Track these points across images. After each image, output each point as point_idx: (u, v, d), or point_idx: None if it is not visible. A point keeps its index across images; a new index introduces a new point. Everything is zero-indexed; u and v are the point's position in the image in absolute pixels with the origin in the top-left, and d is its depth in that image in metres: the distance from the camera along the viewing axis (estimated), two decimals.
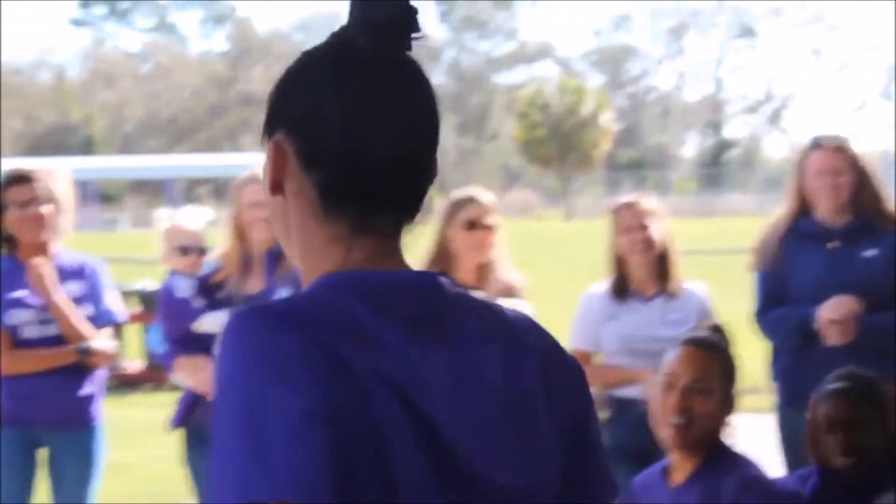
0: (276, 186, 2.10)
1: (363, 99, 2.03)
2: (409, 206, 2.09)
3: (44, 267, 6.02)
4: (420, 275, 2.06)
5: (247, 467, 1.76)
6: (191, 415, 6.09)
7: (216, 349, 1.89)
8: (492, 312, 2.10)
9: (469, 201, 6.22)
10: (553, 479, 2.07)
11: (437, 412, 1.91)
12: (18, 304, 6.06)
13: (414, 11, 2.07)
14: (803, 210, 6.15)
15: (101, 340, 6.16)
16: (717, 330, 4.63)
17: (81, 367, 6.14)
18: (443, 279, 2.05)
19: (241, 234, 6.11)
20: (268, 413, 1.77)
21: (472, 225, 6.13)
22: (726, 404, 4.41)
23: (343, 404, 1.81)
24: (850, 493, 4.53)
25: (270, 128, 2.09)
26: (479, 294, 2.23)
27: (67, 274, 6.15)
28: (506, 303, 6.01)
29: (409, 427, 1.87)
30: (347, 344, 1.86)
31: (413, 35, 2.08)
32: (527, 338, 2.10)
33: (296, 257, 2.11)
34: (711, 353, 4.46)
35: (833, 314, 5.89)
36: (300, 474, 1.74)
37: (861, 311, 5.90)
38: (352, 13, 2.07)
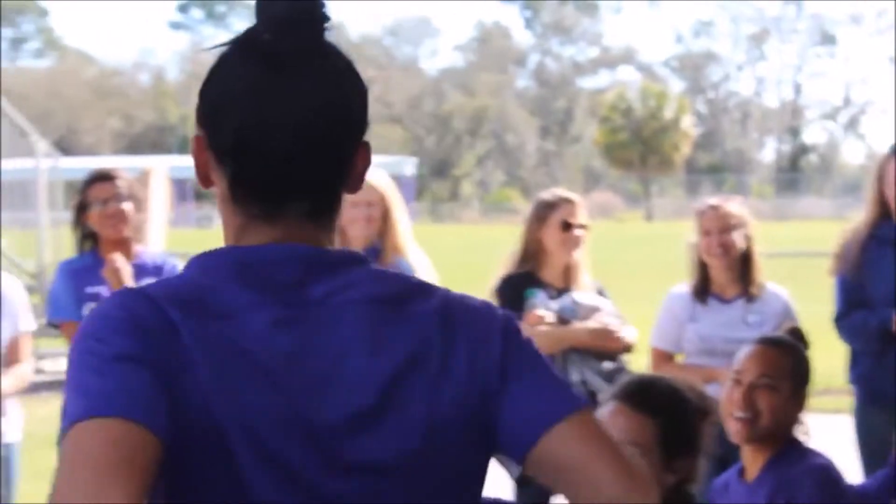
0: (205, 180, 2.12)
1: (255, 93, 2.03)
2: (311, 195, 2.10)
3: (119, 262, 6.00)
4: (289, 247, 2.06)
5: (72, 398, 1.91)
6: None
7: None
8: (374, 281, 2.11)
9: (564, 202, 6.25)
10: (411, 449, 2.03)
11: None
12: (96, 298, 6.05)
13: (316, 4, 2.08)
14: (883, 216, 6.09)
15: None
16: (795, 333, 4.56)
17: None
18: (314, 249, 2.09)
19: (340, 231, 6.08)
20: (90, 358, 1.94)
21: (568, 225, 6.14)
22: (795, 402, 4.34)
23: (151, 352, 1.92)
24: None
25: (197, 123, 2.11)
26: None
27: (148, 271, 6.13)
28: (593, 300, 5.98)
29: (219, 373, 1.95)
30: (187, 312, 1.96)
31: (319, 27, 2.09)
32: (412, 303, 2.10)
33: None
34: (782, 351, 4.40)
35: None
36: (108, 397, 1.87)
37: None
38: (256, 9, 2.07)
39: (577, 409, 2.09)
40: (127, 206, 6.10)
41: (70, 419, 1.90)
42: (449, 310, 2.14)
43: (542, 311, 5.99)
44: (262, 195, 2.06)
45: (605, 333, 6.02)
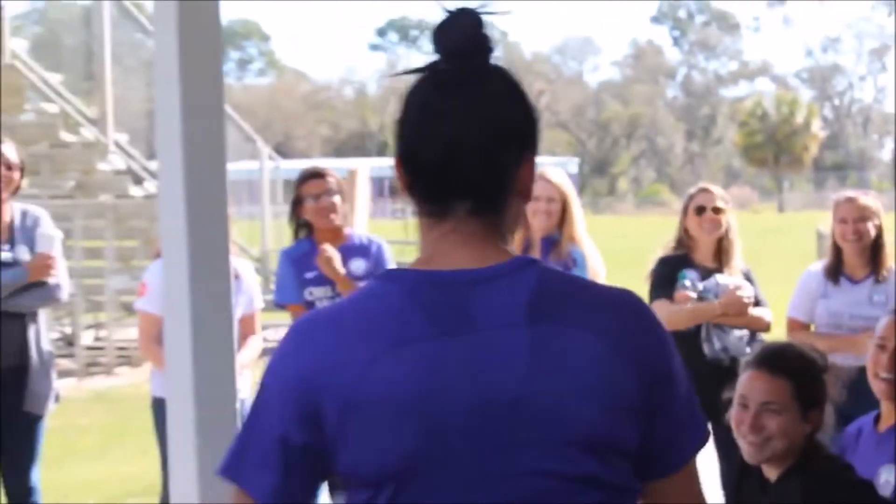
0: (402, 188, 2.11)
1: (422, 113, 2.06)
2: (471, 196, 2.03)
3: (329, 251, 6.07)
4: (461, 272, 2.01)
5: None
6: None
7: None
8: (543, 296, 2.00)
9: (700, 191, 6.32)
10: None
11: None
12: (315, 282, 6.13)
13: (485, 36, 2.06)
14: None
15: None
16: None
17: None
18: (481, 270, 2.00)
19: (524, 222, 6.13)
20: None
21: (702, 209, 6.15)
22: None
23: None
24: None
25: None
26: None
27: (356, 251, 6.21)
28: (735, 281, 5.90)
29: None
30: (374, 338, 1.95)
31: (486, 55, 2.07)
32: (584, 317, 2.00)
33: None
34: None
35: None
36: None
37: None
38: (433, 40, 2.08)
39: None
40: (336, 199, 6.14)
41: None
42: None
43: (688, 291, 5.98)
44: (425, 196, 2.06)
45: (735, 305, 5.97)
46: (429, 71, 2.08)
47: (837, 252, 6.14)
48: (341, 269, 6.08)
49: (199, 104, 3.39)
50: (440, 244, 2.04)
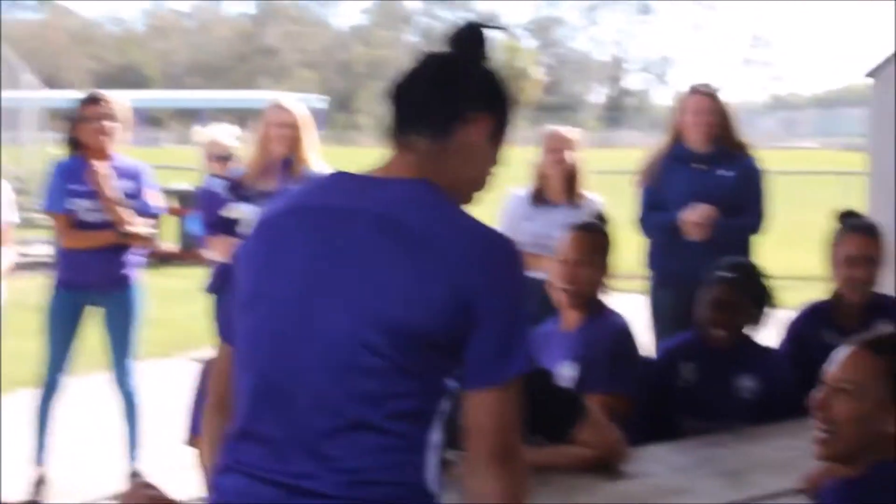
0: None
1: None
2: (428, 127, 2.32)
3: (103, 168, 6.06)
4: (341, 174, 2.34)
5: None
6: (222, 282, 6.09)
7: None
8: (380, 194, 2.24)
9: (551, 133, 6.32)
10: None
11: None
12: (79, 194, 6.08)
13: (480, 36, 2.42)
14: (678, 140, 6.16)
15: (141, 227, 6.19)
16: (599, 217, 4.66)
17: (124, 245, 6.19)
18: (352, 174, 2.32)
19: (264, 147, 6.14)
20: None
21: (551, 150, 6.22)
22: (603, 271, 4.45)
23: None
24: (717, 357, 4.55)
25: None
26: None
27: (121, 173, 6.20)
28: None
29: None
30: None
31: (487, 44, 2.42)
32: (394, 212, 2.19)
33: None
34: (592, 233, 4.49)
35: (695, 217, 5.90)
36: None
37: (717, 217, 5.91)
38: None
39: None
40: (110, 124, 6.11)
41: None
42: None
43: None
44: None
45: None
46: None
47: (542, 179, 6.25)
48: (109, 185, 6.08)
49: None
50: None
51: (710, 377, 4.51)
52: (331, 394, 2.11)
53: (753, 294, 4.59)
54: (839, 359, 2.79)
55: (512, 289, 2.16)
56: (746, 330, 4.59)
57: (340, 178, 2.32)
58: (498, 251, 2.17)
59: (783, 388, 4.51)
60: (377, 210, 2.17)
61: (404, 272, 2.11)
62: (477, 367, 2.13)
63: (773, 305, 4.64)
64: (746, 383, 4.50)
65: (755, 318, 4.59)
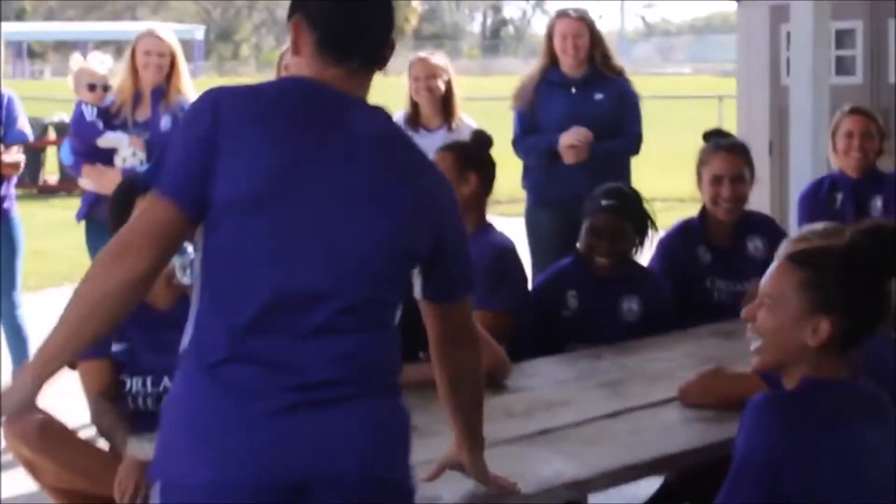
0: (295, 50, 2.47)
1: None
2: (369, 54, 2.47)
3: None
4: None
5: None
6: (93, 210, 6.02)
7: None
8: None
9: (418, 59, 6.26)
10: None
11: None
12: None
13: None
14: (551, 65, 6.19)
15: (10, 155, 6.08)
16: (478, 134, 4.67)
17: None
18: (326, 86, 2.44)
19: (135, 75, 6.06)
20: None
21: (418, 78, 6.18)
22: (484, 188, 4.49)
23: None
24: (601, 283, 4.60)
25: (290, 16, 2.48)
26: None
27: None
28: None
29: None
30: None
31: None
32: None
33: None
34: (464, 153, 4.48)
35: (571, 140, 5.95)
36: None
37: (592, 139, 5.96)
38: None
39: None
40: None
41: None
42: None
43: None
44: (341, 50, 2.44)
45: None
46: None
47: (414, 105, 6.18)
48: None
49: None
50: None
51: (595, 303, 4.55)
52: (357, 303, 2.35)
53: (634, 219, 4.63)
54: (768, 272, 2.80)
55: (462, 221, 2.56)
56: (628, 254, 4.66)
57: (310, 87, 2.43)
58: (453, 190, 2.58)
59: (662, 306, 4.61)
60: (371, 132, 2.42)
61: (405, 199, 2.40)
62: (450, 283, 2.54)
63: (654, 228, 4.71)
64: (630, 305, 4.57)
65: (637, 242, 4.66)
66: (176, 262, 3.54)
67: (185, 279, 3.52)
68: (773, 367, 2.76)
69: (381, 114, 2.49)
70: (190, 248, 4.33)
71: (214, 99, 2.39)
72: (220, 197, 2.32)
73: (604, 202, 4.60)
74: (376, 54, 2.48)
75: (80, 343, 2.34)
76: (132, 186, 3.80)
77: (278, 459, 2.27)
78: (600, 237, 4.55)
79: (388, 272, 2.41)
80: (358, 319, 2.36)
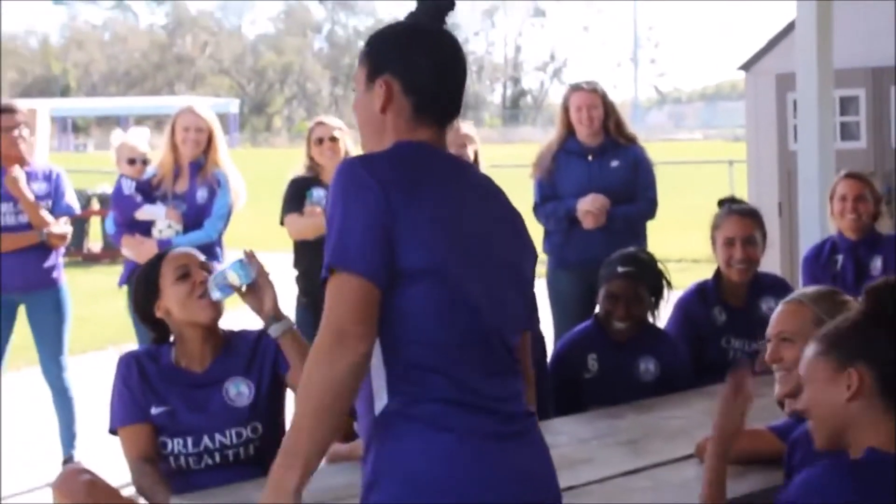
0: (383, 108, 2.45)
1: (435, 55, 2.49)
2: (457, 114, 2.55)
3: (18, 173, 5.99)
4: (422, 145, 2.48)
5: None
6: (133, 276, 6.04)
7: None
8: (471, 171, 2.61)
9: (318, 124, 6.23)
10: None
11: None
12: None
13: (450, 4, 2.54)
14: (568, 134, 6.22)
15: (59, 226, 6.15)
16: None
17: (45, 245, 6.11)
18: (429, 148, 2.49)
19: (174, 150, 6.11)
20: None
21: (320, 140, 6.11)
22: None
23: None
24: (619, 347, 4.57)
25: (376, 73, 2.46)
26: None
27: (37, 177, 6.16)
28: None
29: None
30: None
31: (447, 16, 2.54)
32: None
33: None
34: None
35: (589, 206, 5.96)
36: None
37: (609, 205, 5.98)
38: (417, 4, 2.53)
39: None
40: (24, 132, 6.06)
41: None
42: None
43: (316, 206, 5.98)
44: (439, 115, 2.51)
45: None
46: (415, 24, 2.54)
47: None
48: (26, 189, 6.03)
49: None
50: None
51: (614, 365, 4.53)
52: (512, 346, 2.50)
53: (649, 283, 4.61)
54: (775, 316, 3.06)
55: None
56: (645, 317, 4.63)
57: (429, 150, 2.47)
58: None
59: (678, 366, 4.58)
60: (487, 192, 2.55)
61: (522, 247, 2.58)
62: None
63: (669, 288, 4.69)
64: (647, 366, 4.54)
65: (653, 305, 4.64)
66: (210, 281, 3.55)
67: (216, 294, 3.53)
68: (831, 445, 2.53)
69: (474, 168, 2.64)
70: (219, 266, 4.37)
71: (370, 170, 2.35)
72: (410, 265, 2.32)
73: (619, 269, 4.57)
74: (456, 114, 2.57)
75: (325, 437, 2.27)
76: (159, 261, 3.79)
77: (503, 489, 2.37)
78: (617, 303, 4.53)
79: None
80: (517, 360, 2.53)
